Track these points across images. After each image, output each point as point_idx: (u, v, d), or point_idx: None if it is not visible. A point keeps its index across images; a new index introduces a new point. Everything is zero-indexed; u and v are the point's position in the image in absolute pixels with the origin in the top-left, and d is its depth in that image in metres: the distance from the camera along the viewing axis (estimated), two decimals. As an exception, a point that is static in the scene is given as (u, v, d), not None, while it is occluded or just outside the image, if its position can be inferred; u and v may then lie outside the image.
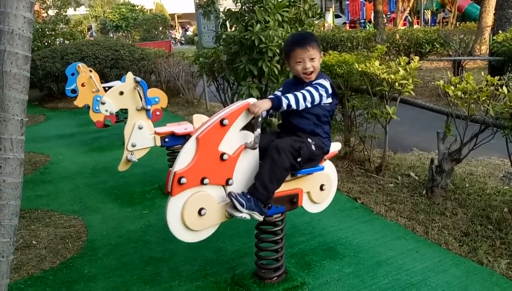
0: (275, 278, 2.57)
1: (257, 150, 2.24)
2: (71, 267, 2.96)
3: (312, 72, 2.39)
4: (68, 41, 12.79)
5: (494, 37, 7.21)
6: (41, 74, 9.68)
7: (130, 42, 15.58)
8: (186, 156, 2.06)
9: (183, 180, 2.03)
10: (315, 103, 2.32)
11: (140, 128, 4.01)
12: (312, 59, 2.38)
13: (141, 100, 4.01)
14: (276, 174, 2.20)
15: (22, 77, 1.77)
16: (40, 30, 12.38)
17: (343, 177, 4.34)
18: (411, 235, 3.16)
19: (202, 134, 2.06)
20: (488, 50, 8.80)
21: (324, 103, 2.38)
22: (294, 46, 2.39)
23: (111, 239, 3.34)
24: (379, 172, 4.35)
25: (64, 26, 13.73)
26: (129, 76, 4.04)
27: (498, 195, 3.73)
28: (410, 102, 4.41)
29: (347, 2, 29.45)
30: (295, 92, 2.28)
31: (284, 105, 2.23)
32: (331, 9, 32.31)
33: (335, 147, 2.68)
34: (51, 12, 13.48)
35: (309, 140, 2.35)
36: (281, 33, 4.64)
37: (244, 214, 2.15)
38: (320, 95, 2.32)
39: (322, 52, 2.56)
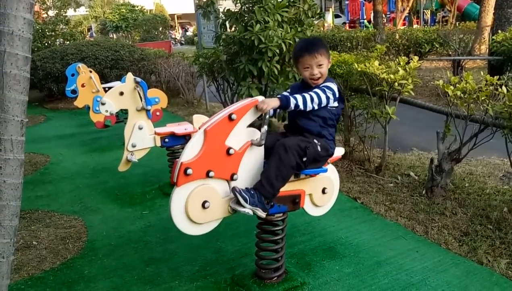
0: (275, 278, 2.57)
1: (262, 147, 2.27)
2: (71, 268, 2.96)
3: (319, 78, 2.43)
4: (68, 42, 12.80)
5: (493, 37, 7.21)
6: (41, 74, 9.69)
7: (130, 42, 15.59)
8: (193, 148, 2.09)
9: (189, 171, 2.06)
10: (322, 105, 2.35)
11: (140, 128, 4.01)
12: (320, 65, 2.41)
13: (141, 100, 4.01)
14: (282, 172, 2.22)
15: (22, 78, 1.78)
16: (40, 30, 12.39)
17: (343, 177, 4.34)
18: (411, 235, 3.16)
19: (210, 127, 2.09)
20: (487, 49, 8.80)
21: (330, 107, 2.42)
22: (303, 52, 2.43)
23: (111, 240, 3.34)
24: (379, 172, 4.35)
25: (64, 26, 13.73)
26: (129, 76, 4.04)
27: (498, 194, 3.74)
28: (409, 102, 4.42)
29: (346, 2, 29.44)
30: (303, 94, 2.31)
31: (292, 105, 2.26)
32: (330, 9, 32.32)
33: (339, 151, 2.71)
34: (51, 12, 13.49)
35: (315, 141, 2.38)
36: (281, 33, 4.65)
37: (247, 210, 2.17)
38: (327, 98, 2.35)
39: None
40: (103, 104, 4.20)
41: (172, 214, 2.12)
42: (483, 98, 3.26)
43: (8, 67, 1.74)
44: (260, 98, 2.21)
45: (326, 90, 2.36)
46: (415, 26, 21.27)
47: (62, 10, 13.37)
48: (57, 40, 13.13)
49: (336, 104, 2.44)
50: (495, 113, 3.18)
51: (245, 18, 4.95)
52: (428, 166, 3.79)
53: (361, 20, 25.67)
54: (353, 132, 4.75)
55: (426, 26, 20.13)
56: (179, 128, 4.14)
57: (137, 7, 25.37)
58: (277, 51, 4.63)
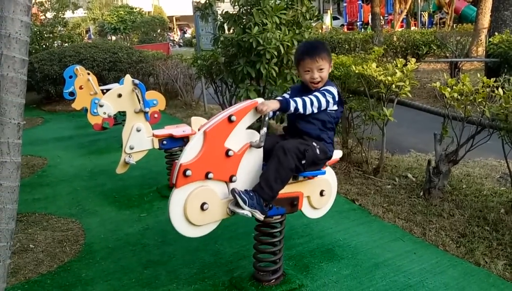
0: (273, 280, 2.57)
1: (261, 149, 2.27)
2: (68, 271, 2.95)
3: (319, 82, 2.44)
4: (66, 44, 12.78)
5: (490, 39, 7.23)
6: (39, 77, 9.67)
7: (128, 44, 15.57)
8: (192, 149, 2.09)
9: (189, 172, 2.06)
10: (322, 109, 2.36)
11: (138, 130, 4.01)
12: (321, 69, 2.42)
13: (139, 102, 4.01)
14: (281, 174, 2.23)
15: (19, 81, 1.78)
16: (38, 32, 12.36)
17: (341, 179, 4.34)
18: (409, 237, 3.17)
19: (210, 129, 2.09)
20: (484, 51, 8.84)
21: (330, 110, 2.43)
22: (304, 56, 2.44)
23: (109, 242, 3.33)
24: (376, 174, 4.36)
25: (62, 28, 13.71)
26: (127, 78, 4.05)
27: (495, 196, 3.75)
28: (407, 104, 4.43)
29: (344, 4, 29.52)
30: (303, 97, 2.32)
31: (292, 108, 2.27)
32: (329, 11, 32.39)
33: (337, 154, 2.72)
34: (49, 14, 13.48)
35: (314, 144, 2.39)
36: (279, 36, 4.67)
37: (246, 211, 2.17)
38: (327, 102, 2.37)
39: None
40: (101, 106, 4.20)
41: (170, 216, 2.12)
42: (479, 100, 3.27)
43: (5, 70, 1.74)
44: (260, 100, 2.21)
45: (326, 94, 2.37)
46: (412, 28, 21.35)
47: (60, 12, 13.36)
48: (55, 42, 13.11)
49: (335, 107, 2.45)
50: (491, 115, 3.19)
51: (243, 20, 4.96)
52: (426, 168, 3.80)
53: (358, 23, 25.75)
54: (351, 134, 4.76)
55: (423, 28, 20.19)
56: (177, 130, 4.14)
57: (136, 9, 25.37)
58: (275, 53, 4.64)
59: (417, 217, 3.43)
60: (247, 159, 2.25)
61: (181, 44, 35.00)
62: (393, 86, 3.83)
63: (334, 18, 31.83)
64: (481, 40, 11.72)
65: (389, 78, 3.81)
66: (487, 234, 3.11)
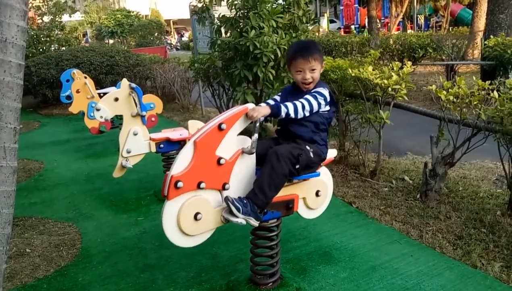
0: (271, 283, 2.57)
1: (254, 155, 2.25)
2: (65, 275, 2.94)
3: (311, 82, 2.43)
4: (63, 48, 12.77)
5: (485, 42, 7.28)
6: (36, 80, 9.66)
7: (126, 48, 15.57)
8: (183, 160, 2.06)
9: (180, 184, 2.04)
10: (314, 111, 2.35)
11: (135, 134, 4.01)
12: (313, 70, 2.41)
13: (136, 106, 4.02)
14: (275, 180, 2.21)
15: (15, 85, 1.78)
16: (35, 36, 12.36)
17: (338, 182, 4.35)
18: (406, 239, 3.17)
19: (200, 138, 2.07)
20: (480, 54, 8.89)
21: (322, 111, 2.42)
22: (297, 55, 2.42)
23: (105, 246, 3.33)
24: (373, 176, 4.37)
25: (59, 32, 13.71)
26: (124, 82, 4.05)
27: (491, 198, 3.76)
28: (403, 106, 4.45)
29: (341, 8, 29.62)
30: (294, 101, 2.30)
31: (283, 114, 2.25)
32: (325, 14, 32.50)
33: (331, 153, 2.71)
34: (46, 18, 13.47)
35: (308, 147, 2.37)
36: (276, 39, 4.68)
37: (240, 219, 2.16)
38: (319, 104, 2.35)
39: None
40: (97, 110, 4.20)
41: (164, 228, 2.10)
42: (475, 103, 3.29)
43: (1, 74, 1.74)
44: (251, 105, 2.19)
45: (318, 96, 2.36)
46: (409, 31, 21.45)
47: (57, 16, 13.35)
48: (52, 46, 13.10)
49: (327, 108, 2.44)
50: (487, 117, 3.21)
51: (240, 24, 4.97)
52: (422, 170, 3.81)
53: (355, 26, 25.84)
54: (348, 137, 4.77)
55: (420, 31, 20.30)
56: (174, 134, 4.14)
57: (133, 12, 25.40)
58: (272, 56, 4.65)
59: (414, 219, 3.44)
60: (239, 166, 2.23)
61: (179, 47, 35.04)
62: (389, 89, 3.85)
63: (331, 21, 31.96)
64: (476, 43, 11.80)
65: (385, 81, 3.83)
66: (483, 236, 3.12)
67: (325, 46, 12.03)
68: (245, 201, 2.18)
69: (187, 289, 2.68)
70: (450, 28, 20.02)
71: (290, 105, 2.28)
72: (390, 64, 4.07)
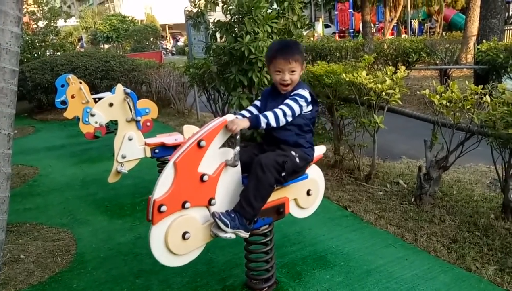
0: (266, 288, 2.58)
1: (238, 166, 2.21)
2: (59, 282, 2.93)
3: (289, 84, 2.37)
4: (58, 53, 12.74)
5: (478, 47, 7.34)
6: (31, 86, 9.63)
7: (121, 53, 15.55)
8: (164, 182, 2.00)
9: (163, 208, 1.98)
10: (296, 115, 2.30)
11: (130, 139, 4.01)
12: (293, 72, 2.36)
13: (131, 111, 4.02)
14: (261, 191, 2.17)
15: (9, 91, 1.78)
16: (30, 41, 12.33)
17: (333, 186, 4.37)
18: (400, 243, 3.18)
19: (179, 159, 2.00)
20: (473, 59, 8.97)
21: (305, 112, 2.37)
22: (277, 55, 2.36)
23: (100, 252, 3.31)
24: (368, 180, 4.38)
25: (54, 37, 13.68)
26: (119, 87, 4.05)
27: (485, 201, 3.78)
28: (397, 111, 4.48)
29: (336, 12, 29.82)
30: (274, 109, 2.25)
31: (263, 125, 2.20)
32: (320, 19, 32.66)
33: (320, 150, 2.68)
34: (41, 23, 13.45)
35: (293, 153, 2.34)
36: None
37: (229, 234, 2.13)
38: (300, 106, 2.31)
39: (305, 63, 2.55)
40: (92, 115, 4.19)
41: (153, 251, 2.06)
42: (468, 107, 3.32)
43: (-4, 80, 1.74)
44: (230, 117, 2.14)
45: (298, 99, 2.31)
46: (403, 36, 21.61)
47: (52, 21, 13.34)
48: (47, 51, 13.07)
49: (310, 108, 2.39)
50: (480, 121, 3.23)
51: (235, 29, 5.00)
52: (417, 174, 3.84)
53: (350, 30, 26.01)
54: (343, 141, 4.79)
55: (413, 36, 20.45)
56: (170, 138, 4.14)
57: (128, 17, 25.40)
58: (267, 61, 4.67)
59: (409, 223, 3.46)
60: (224, 179, 2.18)
61: (174, 52, 35.06)
62: (383, 93, 3.87)
63: (326, 26, 32.11)
64: (470, 48, 11.90)
65: (379, 86, 3.85)
66: (477, 239, 3.14)
67: (320, 51, 12.09)
68: (232, 215, 2.13)
69: (182, 294, 2.67)
70: (444, 32, 20.20)
71: (270, 114, 2.22)
72: (384, 69, 4.11)
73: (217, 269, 2.94)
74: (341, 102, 4.69)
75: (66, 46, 13.66)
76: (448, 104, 3.43)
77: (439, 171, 3.72)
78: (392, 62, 10.40)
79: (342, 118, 4.66)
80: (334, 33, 29.17)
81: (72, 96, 6.00)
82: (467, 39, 12.93)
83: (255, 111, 2.50)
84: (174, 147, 4.07)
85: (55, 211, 4.24)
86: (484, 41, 7.62)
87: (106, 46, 24.90)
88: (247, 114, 2.44)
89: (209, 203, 2.15)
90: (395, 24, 23.45)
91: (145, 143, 4.08)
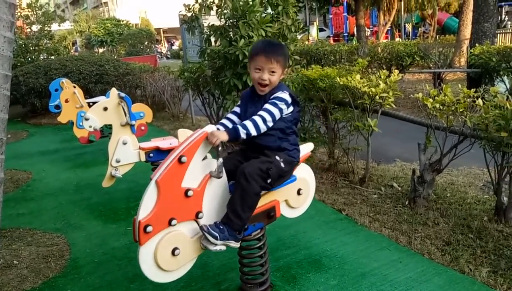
0: (261, 292, 2.57)
1: (224, 175, 2.18)
2: (53, 287, 2.91)
3: (267, 85, 2.30)
4: (52, 57, 12.69)
5: (471, 50, 7.41)
6: (24, 90, 9.58)
7: (115, 57, 15.53)
8: (148, 202, 1.97)
9: (149, 228, 1.96)
10: (277, 119, 2.25)
11: (124, 143, 4.00)
12: (272, 72, 2.29)
13: (125, 115, 4.01)
14: (247, 201, 2.14)
15: (2, 96, 1.77)
16: (23, 45, 12.28)
17: (327, 189, 4.38)
18: (395, 246, 3.19)
19: (161, 177, 1.96)
20: (466, 62, 9.05)
21: (285, 115, 2.32)
22: (260, 52, 2.30)
23: (95, 257, 3.30)
24: (363, 183, 4.40)
25: (48, 41, 13.63)
26: (113, 92, 4.05)
27: (478, 204, 3.81)
28: (391, 114, 4.50)
29: (330, 16, 29.97)
30: (253, 117, 2.21)
31: (243, 135, 2.15)
32: (315, 22, 32.84)
33: (307, 148, 2.66)
34: (35, 27, 13.40)
35: (277, 158, 2.29)
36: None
37: (219, 246, 2.11)
38: (280, 110, 2.26)
39: (288, 67, 2.48)
40: (86, 119, 4.18)
41: (144, 271, 2.03)
42: (461, 110, 3.34)
43: (-12, 85, 1.74)
44: (210, 128, 2.09)
45: (277, 102, 2.26)
46: (397, 39, 21.75)
47: (46, 25, 13.29)
48: (41, 55, 13.03)
49: (290, 109, 2.34)
50: (473, 124, 3.26)
51: (230, 33, 5.01)
52: (411, 177, 3.86)
53: (345, 34, 26.14)
54: (337, 145, 4.81)
55: (407, 39, 20.59)
56: (164, 143, 4.14)
57: (123, 21, 25.38)
58: (261, 65, 4.68)
59: (403, 226, 3.47)
60: (210, 190, 2.15)
61: (169, 56, 35.06)
62: (377, 97, 3.90)
63: (320, 29, 32.29)
64: (463, 51, 12.01)
65: (373, 89, 3.88)
66: (471, 241, 3.16)
67: (314, 55, 12.15)
68: (221, 227, 2.11)
69: (177, 299, 2.66)
70: (437, 36, 20.36)
71: (249, 123, 2.18)
72: (378, 73, 4.13)
73: (212, 273, 2.93)
74: (335, 106, 4.71)
75: (60, 50, 13.62)
76: (441, 107, 3.46)
77: (433, 173, 3.74)
78: (386, 65, 10.46)
79: (336, 121, 4.68)
80: (328, 37, 29.31)
81: (66, 101, 5.98)
82: (460, 43, 13.05)
83: (235, 118, 2.45)
84: (169, 151, 4.03)
85: (48, 216, 4.22)
86: (477, 44, 7.68)
87: (101, 50, 24.85)
88: (228, 123, 2.41)
89: (197, 216, 2.12)
90: (389, 28, 23.59)
91: (140, 148, 4.07)
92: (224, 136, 2.09)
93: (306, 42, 21.38)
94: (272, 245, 3.20)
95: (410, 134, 5.32)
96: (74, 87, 6.13)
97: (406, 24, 25.91)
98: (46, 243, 3.59)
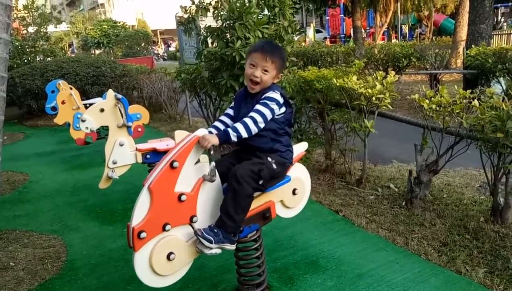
0: (258, 293, 2.57)
1: (218, 178, 2.18)
2: (49, 289, 2.90)
3: (257, 83, 2.29)
4: (48, 58, 12.66)
5: (467, 51, 7.44)
6: (21, 91, 9.55)
7: (112, 58, 15.50)
8: (141, 208, 1.96)
9: (143, 234, 1.95)
10: (268, 119, 2.25)
11: (121, 145, 3.99)
12: (265, 71, 2.28)
13: (122, 117, 4.00)
14: (240, 203, 2.13)
15: (-2, 97, 1.77)
16: (19, 47, 12.24)
17: (324, 190, 4.38)
18: (392, 247, 3.20)
19: (153, 183, 1.96)
20: (462, 63, 9.09)
21: (277, 116, 2.30)
22: (257, 49, 2.31)
23: (91, 259, 3.29)
24: (359, 184, 4.41)
25: (44, 43, 13.60)
26: (110, 93, 4.04)
27: (475, 204, 3.82)
28: (387, 115, 4.52)
29: (327, 18, 30.03)
30: (244, 119, 2.20)
31: (234, 138, 2.14)
32: (312, 24, 32.90)
33: (301, 147, 2.65)
34: (31, 29, 13.37)
35: (269, 159, 2.28)
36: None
37: (214, 250, 2.11)
38: (271, 110, 2.24)
39: (284, 72, 2.47)
40: (83, 121, 4.18)
41: (139, 276, 2.03)
42: (457, 111, 3.36)
43: (-16, 86, 1.73)
44: (201, 132, 2.09)
45: (268, 102, 2.24)
46: (393, 41, 21.82)
47: (42, 27, 13.26)
48: (37, 56, 12.99)
49: (283, 109, 2.32)
50: (469, 125, 3.27)
51: (226, 34, 5.01)
52: (407, 178, 3.87)
53: (341, 35, 26.19)
54: (334, 146, 4.81)
55: (404, 41, 20.66)
56: (161, 144, 4.13)
57: (119, 23, 25.33)
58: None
59: (400, 226, 3.48)
60: (204, 194, 2.14)
61: (166, 57, 35.03)
62: (373, 98, 3.91)
63: (317, 31, 32.36)
64: (459, 53, 12.06)
65: (370, 90, 3.89)
66: (467, 242, 3.17)
67: (311, 56, 12.17)
68: (215, 230, 2.11)
69: (174, 300, 2.65)
70: (434, 37, 20.44)
71: (239, 126, 2.17)
72: (375, 74, 4.14)
73: (209, 274, 2.93)
74: (332, 107, 4.72)
75: (57, 52, 13.59)
76: (437, 108, 3.47)
77: (430, 174, 3.75)
78: (382, 67, 10.49)
79: (333, 123, 4.69)
80: (325, 38, 29.37)
81: (63, 102, 5.97)
82: (456, 44, 13.11)
83: (228, 121, 2.44)
84: (166, 152, 4.06)
85: (45, 218, 4.20)
86: (473, 46, 7.72)
87: (97, 51, 24.79)
88: (221, 125, 2.40)
89: (191, 220, 2.11)
90: (386, 29, 23.68)
91: (136, 149, 4.06)
92: (214, 140, 2.09)
93: (303, 44, 21.42)
94: (269, 246, 3.20)
95: (407, 135, 5.34)
96: (71, 88, 6.12)
97: (403, 26, 26.00)
98: (42, 245, 3.57)
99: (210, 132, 2.22)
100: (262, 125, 2.22)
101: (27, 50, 12.59)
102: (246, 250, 2.49)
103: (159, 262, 2.03)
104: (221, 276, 2.90)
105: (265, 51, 2.29)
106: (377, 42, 17.82)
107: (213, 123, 2.45)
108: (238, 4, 4.78)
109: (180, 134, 3.83)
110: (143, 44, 22.14)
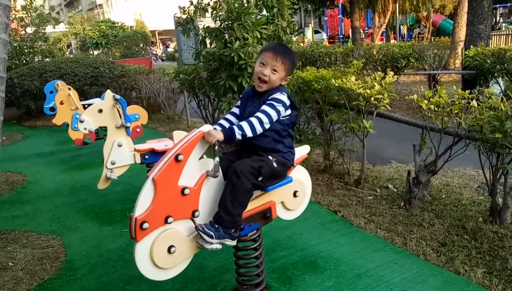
0: (256, 293, 2.57)
1: (221, 175, 2.20)
2: (48, 289, 2.90)
3: (265, 82, 2.32)
4: (47, 59, 12.64)
5: (466, 52, 7.45)
6: (19, 92, 9.54)
7: (111, 59, 15.48)
8: (145, 199, 1.98)
9: (146, 225, 1.96)
10: (274, 121, 2.26)
11: (119, 145, 3.99)
12: (274, 70, 2.31)
13: (120, 117, 4.00)
14: (238, 198, 2.14)
15: (-3, 97, 1.77)
16: (18, 48, 12.22)
17: (323, 190, 4.39)
18: (390, 247, 3.20)
19: (158, 175, 1.98)
20: (461, 64, 9.10)
21: (283, 117, 2.32)
22: (269, 49, 2.36)
23: (90, 259, 3.28)
24: (358, 185, 4.41)
25: (42, 43, 13.57)
26: (108, 94, 4.04)
27: (473, 205, 3.83)
28: (386, 116, 4.52)
29: (325, 18, 30.04)
30: (250, 119, 2.21)
31: (238, 136, 2.15)
32: (310, 25, 32.92)
33: (303, 150, 2.67)
34: (30, 30, 13.35)
35: (270, 157, 2.30)
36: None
37: (215, 245, 2.12)
38: (277, 111, 2.26)
39: (293, 73, 2.50)
40: (81, 121, 4.17)
41: (139, 268, 2.03)
42: (456, 111, 3.36)
43: (-17, 86, 1.73)
44: (206, 128, 2.11)
45: (275, 103, 2.26)
46: (392, 41, 21.84)
47: (40, 27, 13.24)
48: (36, 57, 12.97)
49: (288, 112, 2.34)
50: (467, 126, 3.28)
51: (225, 35, 5.01)
52: (406, 178, 3.87)
53: (340, 36, 26.21)
54: (333, 146, 4.82)
55: (402, 41, 20.68)
56: (159, 144, 4.14)
57: (118, 23, 25.30)
58: (257, 67, 4.69)
59: (398, 227, 3.48)
60: (207, 189, 2.16)
61: (164, 58, 35.02)
62: (372, 99, 3.91)
63: (316, 32, 32.34)
64: (458, 53, 12.06)
65: (368, 91, 3.89)
66: (466, 242, 3.18)
67: (309, 57, 12.17)
68: (216, 225, 2.12)
69: (173, 301, 2.65)
70: (432, 38, 20.47)
71: (245, 125, 2.18)
72: (373, 74, 4.15)
73: (208, 274, 2.93)
74: (331, 108, 4.72)
75: (55, 52, 13.57)
76: (436, 109, 3.48)
77: (428, 175, 3.76)
78: (381, 67, 10.51)
79: (331, 123, 4.69)
80: (323, 39, 29.37)
81: (61, 103, 5.96)
82: (455, 45, 13.12)
83: (233, 119, 2.46)
84: (164, 153, 4.06)
85: (44, 218, 4.20)
86: (471, 46, 7.73)
87: (96, 52, 24.77)
88: (226, 123, 2.43)
89: (193, 215, 2.13)
90: (384, 30, 23.70)
91: (135, 150, 4.06)
92: (219, 135, 2.10)
93: (301, 44, 21.42)
94: (268, 246, 3.21)
95: (405, 135, 5.35)
96: (69, 89, 6.11)
97: (401, 26, 26.02)
98: (41, 245, 3.57)
99: (215, 129, 2.23)
100: (267, 126, 2.24)
101: (26, 51, 12.56)
102: (245, 249, 2.50)
103: (160, 255, 2.05)
104: (220, 276, 2.90)
105: (277, 51, 2.33)
106: (375, 43, 17.85)
107: (218, 121, 2.47)
108: (236, 5, 4.78)
109: (178, 134, 3.84)
110: (141, 45, 22.13)
